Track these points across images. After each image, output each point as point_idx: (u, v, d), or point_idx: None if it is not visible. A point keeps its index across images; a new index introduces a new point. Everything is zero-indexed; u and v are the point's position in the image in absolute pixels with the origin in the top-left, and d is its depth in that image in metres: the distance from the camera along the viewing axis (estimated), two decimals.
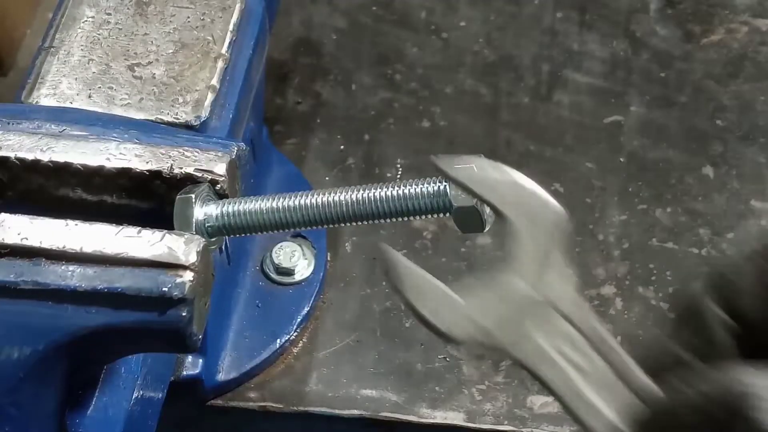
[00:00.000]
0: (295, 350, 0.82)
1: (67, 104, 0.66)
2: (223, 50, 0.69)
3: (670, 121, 0.96)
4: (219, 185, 0.57)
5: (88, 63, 0.68)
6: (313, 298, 0.83)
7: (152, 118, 0.66)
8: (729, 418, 0.40)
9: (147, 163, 0.57)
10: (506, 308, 0.46)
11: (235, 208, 0.55)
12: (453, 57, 1.00)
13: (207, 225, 0.55)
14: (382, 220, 0.54)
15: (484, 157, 0.49)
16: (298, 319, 0.82)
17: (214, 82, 0.68)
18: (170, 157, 0.57)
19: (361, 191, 0.53)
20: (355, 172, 0.92)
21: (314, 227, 0.56)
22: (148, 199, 0.57)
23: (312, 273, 0.84)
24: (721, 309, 0.45)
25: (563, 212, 0.47)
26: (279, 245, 0.84)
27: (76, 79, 0.68)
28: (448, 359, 0.82)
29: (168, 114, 0.66)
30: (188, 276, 0.50)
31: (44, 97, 0.67)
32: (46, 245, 0.52)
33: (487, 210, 0.49)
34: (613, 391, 0.45)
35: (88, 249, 0.51)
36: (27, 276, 0.51)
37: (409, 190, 0.53)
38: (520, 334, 0.46)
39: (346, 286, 0.86)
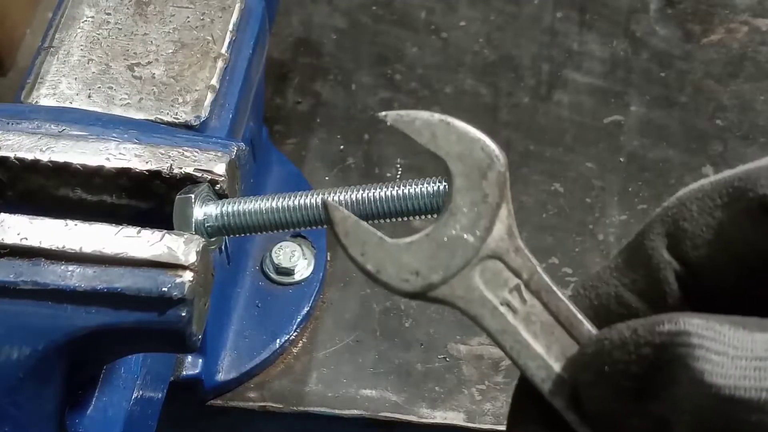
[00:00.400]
0: (294, 350, 0.82)
1: (67, 104, 0.66)
2: (223, 50, 0.69)
3: (670, 121, 0.96)
4: (218, 185, 0.57)
5: (88, 63, 0.68)
6: (312, 298, 0.83)
7: (152, 118, 0.66)
8: (660, 360, 0.39)
9: (146, 163, 0.57)
10: (444, 255, 0.44)
11: (235, 208, 0.55)
12: (453, 57, 1.00)
13: (206, 225, 0.55)
14: (382, 221, 0.54)
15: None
16: (298, 319, 0.82)
17: (214, 81, 0.68)
18: (170, 157, 0.57)
19: (361, 191, 0.53)
20: (355, 172, 0.92)
21: (314, 227, 0.55)
22: (148, 199, 0.57)
23: (312, 273, 0.84)
24: (668, 251, 0.43)
25: (497, 152, 0.45)
26: (279, 245, 0.84)
27: (75, 79, 0.67)
28: (447, 359, 0.82)
29: (168, 114, 0.66)
30: (188, 276, 0.50)
31: (44, 97, 0.67)
32: (45, 245, 0.51)
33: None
34: (554, 338, 0.44)
35: (88, 249, 0.51)
36: (26, 276, 0.51)
37: (407, 190, 0.52)
38: (460, 281, 0.45)
39: (345, 286, 0.86)
